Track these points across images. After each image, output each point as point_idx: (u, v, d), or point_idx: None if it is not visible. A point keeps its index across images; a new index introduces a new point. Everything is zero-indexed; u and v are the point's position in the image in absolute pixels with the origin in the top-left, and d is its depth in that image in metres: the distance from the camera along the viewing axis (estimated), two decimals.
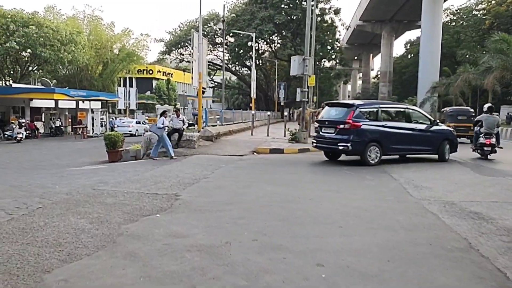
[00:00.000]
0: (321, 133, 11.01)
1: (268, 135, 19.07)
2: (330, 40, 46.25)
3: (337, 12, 45.86)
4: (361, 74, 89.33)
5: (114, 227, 4.60)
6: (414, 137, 10.96)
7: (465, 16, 50.22)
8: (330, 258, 3.74)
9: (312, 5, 18.28)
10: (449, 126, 14.05)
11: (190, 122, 21.74)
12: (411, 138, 10.91)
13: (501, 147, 12.33)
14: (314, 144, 11.42)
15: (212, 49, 51.93)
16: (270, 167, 10.26)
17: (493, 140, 11.69)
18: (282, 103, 42.40)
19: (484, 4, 46.97)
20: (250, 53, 41.61)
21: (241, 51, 45.50)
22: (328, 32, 45.33)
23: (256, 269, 3.42)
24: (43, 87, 31.99)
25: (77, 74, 36.15)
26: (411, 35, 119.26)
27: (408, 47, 65.52)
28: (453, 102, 34.43)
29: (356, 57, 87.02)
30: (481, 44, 42.36)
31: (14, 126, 24.34)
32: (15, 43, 26.17)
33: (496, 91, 29.59)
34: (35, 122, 27.93)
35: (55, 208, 5.43)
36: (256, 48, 42.35)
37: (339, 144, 10.18)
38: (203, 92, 17.06)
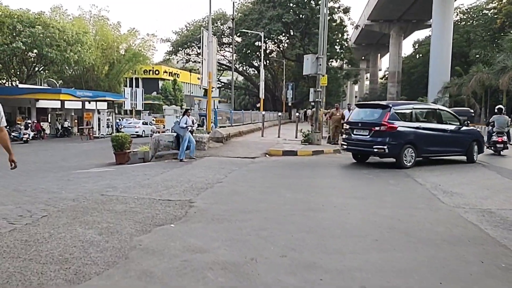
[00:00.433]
0: (352, 135, 10.55)
1: (279, 136, 18.59)
2: (339, 40, 45.61)
3: (346, 11, 45.06)
4: (368, 75, 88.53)
5: (126, 239, 4.17)
6: (446, 138, 10.61)
7: (475, 16, 49.34)
8: (373, 279, 3.27)
9: (321, 3, 17.72)
10: None
11: (197, 123, 21.35)
12: (444, 139, 10.55)
13: None
14: (345, 147, 11.02)
15: (219, 49, 51.57)
16: (285, 171, 9.83)
17: (505, 138, 12.97)
18: (290, 104, 41.97)
19: (495, 3, 46.05)
20: (258, 53, 41.21)
21: (249, 51, 45.03)
22: (337, 32, 44.66)
23: None
24: (49, 87, 31.77)
25: (83, 75, 36.03)
26: (420, 34, 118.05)
27: (417, 47, 64.62)
28: (465, 103, 33.77)
29: (363, 57, 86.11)
30: (493, 43, 41.67)
31: (20, 127, 24.14)
32: (21, 44, 26.05)
33: (509, 91, 28.94)
34: (41, 123, 27.71)
35: (61, 217, 5.01)
36: (264, 48, 41.82)
37: (374, 146, 9.78)
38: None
